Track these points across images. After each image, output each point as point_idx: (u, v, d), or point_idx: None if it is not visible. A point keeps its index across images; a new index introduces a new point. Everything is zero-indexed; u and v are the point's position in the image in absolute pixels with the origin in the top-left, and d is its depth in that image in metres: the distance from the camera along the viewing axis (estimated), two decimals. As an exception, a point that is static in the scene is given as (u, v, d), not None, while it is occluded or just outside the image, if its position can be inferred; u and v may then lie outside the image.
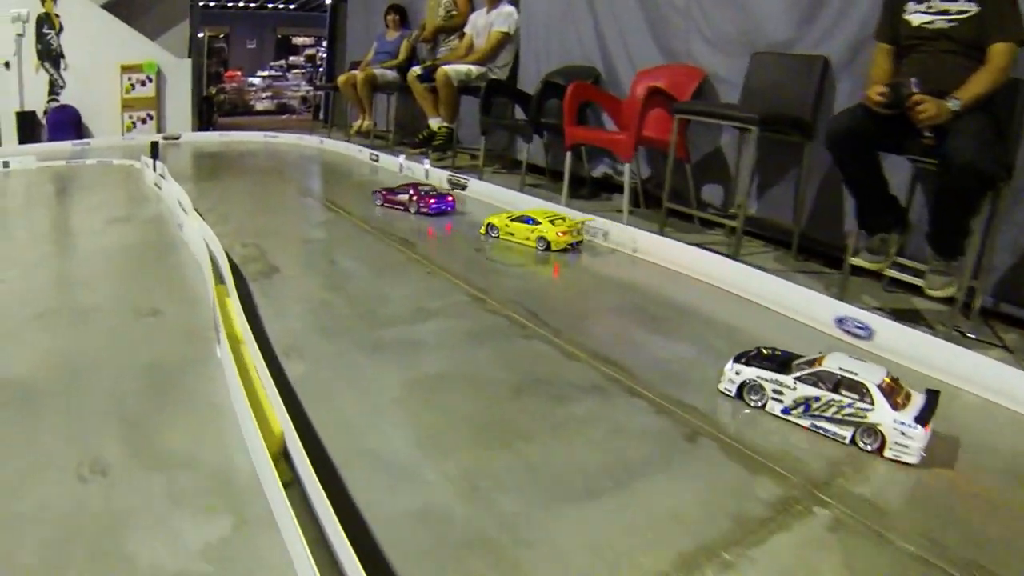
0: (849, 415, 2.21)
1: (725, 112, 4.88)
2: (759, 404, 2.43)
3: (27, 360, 2.99)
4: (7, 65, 11.86)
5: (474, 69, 8.10)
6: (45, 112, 12.11)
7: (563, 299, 3.86)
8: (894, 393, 2.21)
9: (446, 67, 8.03)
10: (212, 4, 18.85)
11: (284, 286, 3.79)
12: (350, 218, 5.37)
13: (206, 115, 13.08)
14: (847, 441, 2.22)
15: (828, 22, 4.31)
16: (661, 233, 4.63)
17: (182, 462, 2.13)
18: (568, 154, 6.16)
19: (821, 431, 2.28)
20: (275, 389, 2.45)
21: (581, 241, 4.65)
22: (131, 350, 3.13)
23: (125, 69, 12.30)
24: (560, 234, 4.46)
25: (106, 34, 12.13)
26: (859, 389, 2.20)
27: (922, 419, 2.12)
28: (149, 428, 2.32)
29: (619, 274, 4.30)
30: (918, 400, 2.24)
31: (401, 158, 7.38)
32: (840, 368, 2.26)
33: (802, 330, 3.26)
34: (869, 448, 2.19)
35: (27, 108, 12.00)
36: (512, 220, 4.64)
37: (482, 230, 4.82)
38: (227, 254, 4.26)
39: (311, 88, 17.67)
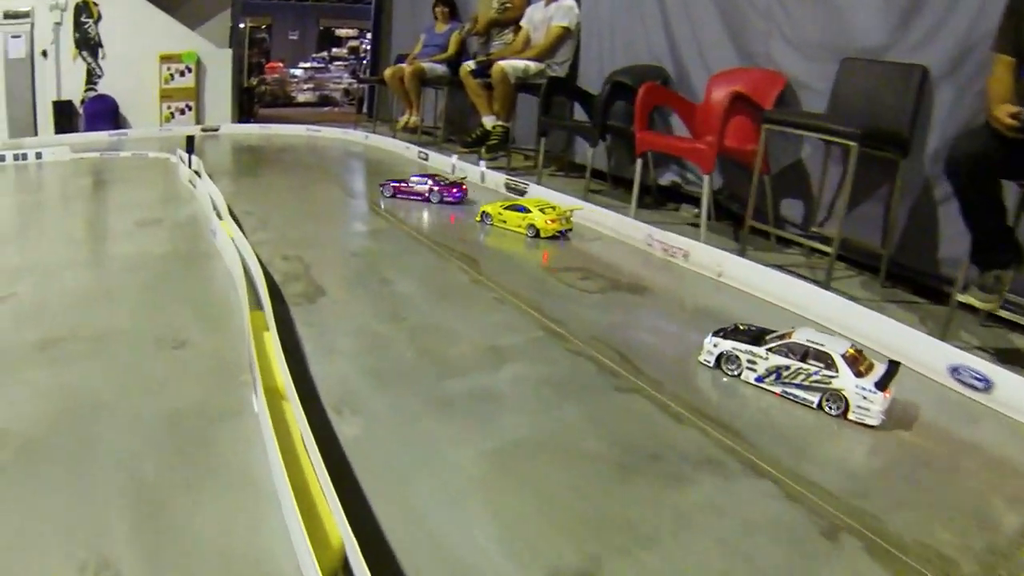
0: (816, 382, 2.40)
1: (822, 125, 4.23)
2: (735, 373, 2.65)
3: (24, 406, 2.43)
4: (44, 54, 11.47)
5: (532, 65, 7.47)
6: (82, 101, 11.69)
7: (651, 335, 3.34)
8: (857, 363, 2.39)
9: (503, 62, 7.41)
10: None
11: (331, 313, 3.22)
12: (401, 226, 4.81)
13: (246, 106, 12.58)
14: (814, 405, 2.42)
15: (927, 27, 3.90)
16: (742, 254, 4.22)
17: (211, 567, 1.66)
18: (638, 161, 5.53)
19: (791, 397, 2.49)
20: (327, 475, 1.86)
21: (570, 228, 4.78)
22: (151, 394, 2.56)
23: (164, 59, 11.85)
24: (549, 222, 4.59)
25: (145, 23, 11.70)
26: (825, 358, 2.39)
27: (882, 384, 2.31)
28: (170, 514, 1.87)
29: (707, 303, 3.86)
30: (880, 369, 2.42)
31: (454, 158, 6.78)
32: (808, 340, 2.46)
33: (908, 379, 2.68)
34: (834, 412, 2.39)
35: (64, 97, 11.60)
36: (505, 208, 4.81)
37: (477, 218, 4.96)
38: (265, 270, 3.68)
39: (354, 81, 17.12)
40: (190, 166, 6.67)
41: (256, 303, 3.27)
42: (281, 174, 7.73)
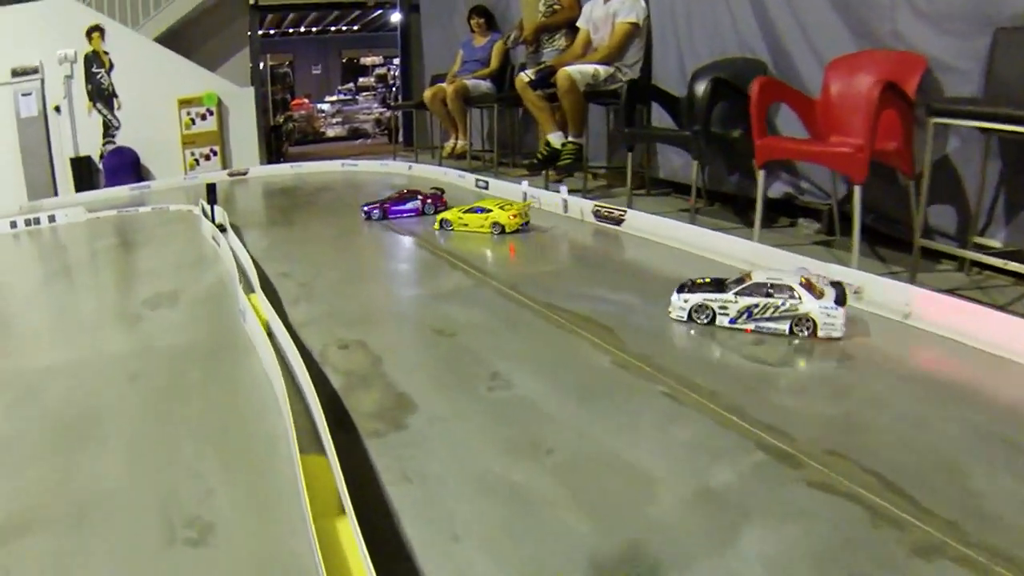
0: (784, 312, 2.65)
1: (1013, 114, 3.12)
2: (706, 321, 2.79)
3: None
4: (57, 109, 10.60)
5: (601, 69, 6.24)
6: (101, 156, 10.85)
7: (912, 440, 2.11)
8: (812, 288, 2.67)
9: (568, 68, 6.17)
10: (272, 32, 17.41)
11: (430, 447, 2.06)
12: (487, 279, 3.52)
13: (275, 146, 11.50)
14: (786, 332, 2.67)
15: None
16: (913, 281, 3.31)
17: None
18: (761, 173, 4.29)
19: (763, 330, 2.70)
20: None
21: (528, 222, 4.86)
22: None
23: (183, 103, 10.89)
24: (512, 217, 4.70)
25: (160, 68, 10.85)
26: (787, 290, 2.65)
27: (839, 301, 2.65)
28: None
29: (938, 368, 2.67)
30: (830, 292, 2.70)
31: (524, 184, 5.53)
32: (768, 278, 2.69)
33: None
34: (805, 334, 2.65)
35: (82, 153, 10.79)
36: (464, 212, 4.86)
37: (436, 226, 4.98)
38: (317, 372, 2.45)
39: (385, 109, 16.05)
40: (213, 219, 5.52)
41: (312, 439, 2.03)
42: (320, 219, 6.56)
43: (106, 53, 10.60)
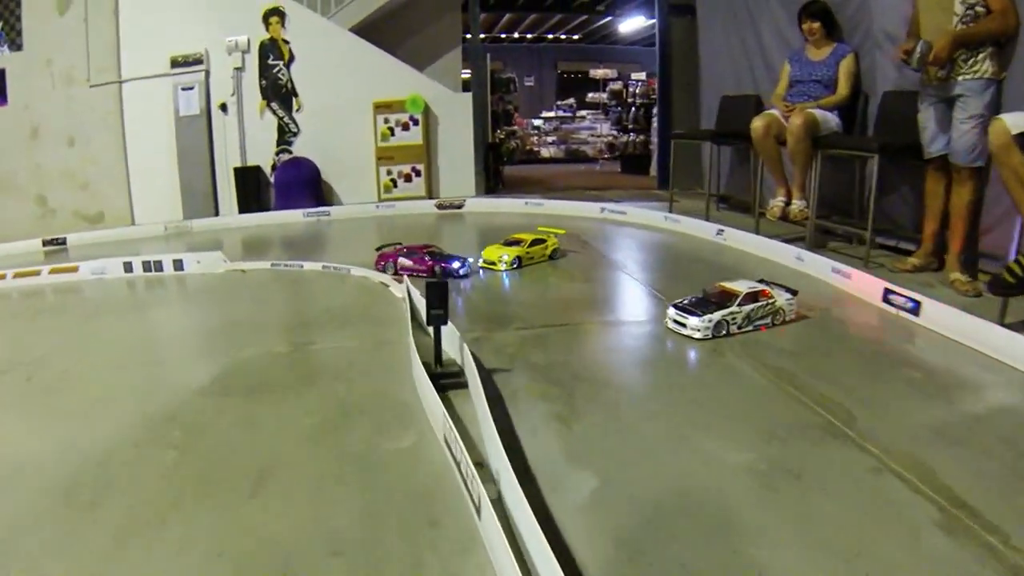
0: (767, 310, 3.23)
1: None
2: (724, 333, 3.12)
3: None
4: (224, 108, 8.15)
5: None
6: (273, 167, 8.35)
7: None
8: (771, 288, 3.31)
9: None
10: (482, 36, 14.46)
11: None
12: None
13: (491, 168, 8.42)
14: (771, 324, 3.25)
15: None
16: None
17: None
18: None
19: (754, 327, 3.19)
20: None
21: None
22: None
23: (381, 108, 8.24)
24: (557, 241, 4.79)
25: (353, 63, 8.30)
26: (763, 294, 3.24)
27: (792, 292, 3.35)
28: None
29: None
30: (778, 289, 3.34)
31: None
32: (748, 288, 3.21)
33: None
34: (777, 323, 3.27)
35: (250, 163, 8.33)
36: (529, 246, 4.62)
37: (503, 266, 4.45)
38: None
39: (619, 132, 12.71)
40: (429, 323, 2.30)
41: None
42: (612, 333, 3.33)
43: (286, 42, 8.13)
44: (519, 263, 4.48)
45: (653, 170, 10.44)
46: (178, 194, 8.22)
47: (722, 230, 5.33)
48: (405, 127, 8.19)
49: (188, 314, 4.10)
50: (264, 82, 8.19)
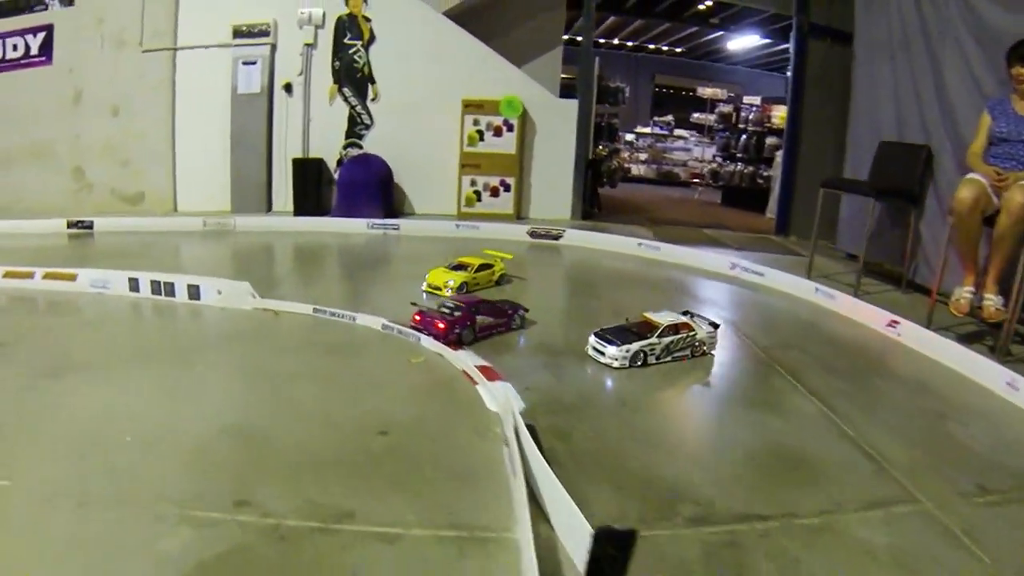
0: (687, 342, 3.24)
1: None
2: (639, 363, 3.09)
3: None
4: (288, 89, 6.89)
5: None
6: (339, 163, 7.08)
7: None
8: (693, 320, 3.34)
9: None
10: (580, 39, 13.01)
11: None
12: None
13: (588, 189, 7.01)
14: (690, 356, 3.25)
15: None
16: None
17: None
18: None
19: (674, 358, 3.20)
20: None
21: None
22: None
23: (470, 107, 6.93)
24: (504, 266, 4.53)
25: (444, 51, 7.00)
26: (683, 326, 3.24)
27: (715, 325, 3.36)
28: None
29: None
30: (701, 322, 3.37)
31: None
32: (670, 319, 3.22)
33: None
34: (697, 354, 3.27)
35: (312, 155, 7.07)
36: (475, 271, 4.33)
37: (445, 292, 4.11)
38: None
39: (723, 159, 11.10)
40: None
41: None
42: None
43: (367, 20, 6.84)
44: (464, 289, 4.18)
45: (770, 211, 8.83)
46: (227, 182, 7.03)
47: (896, 321, 3.80)
48: (497, 132, 6.79)
49: (181, 389, 2.71)
50: (338, 63, 6.87)
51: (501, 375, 2.78)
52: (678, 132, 13.72)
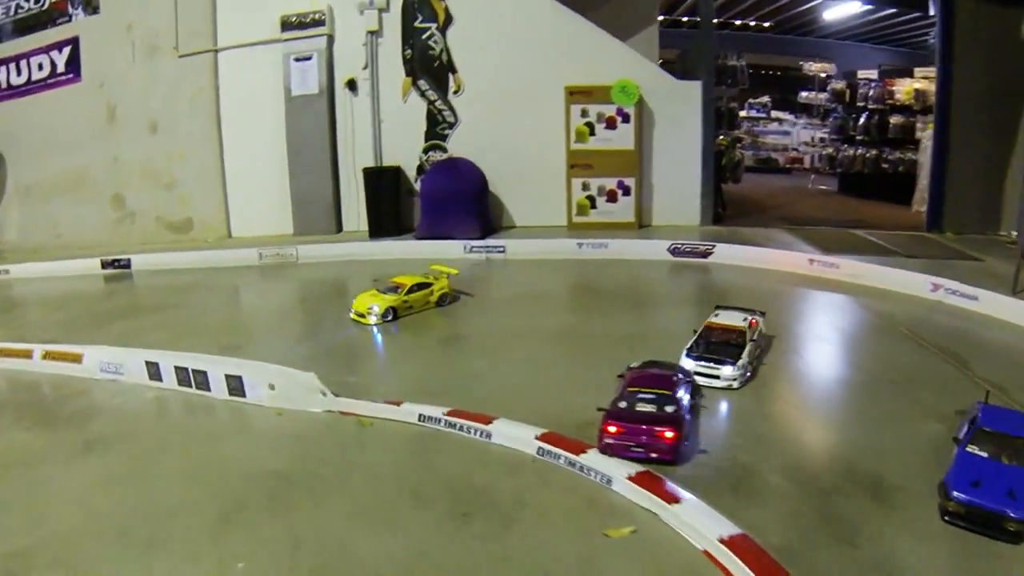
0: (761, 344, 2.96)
1: None
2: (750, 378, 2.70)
3: None
4: (352, 86, 5.91)
5: None
6: (420, 171, 5.94)
7: None
8: (756, 317, 3.09)
9: None
10: (660, 18, 11.49)
11: None
12: None
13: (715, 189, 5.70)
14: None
15: None
16: None
17: None
18: None
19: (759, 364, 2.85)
20: None
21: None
22: None
23: (576, 95, 5.67)
24: (448, 284, 4.05)
25: (538, 31, 5.71)
26: (753, 325, 2.92)
27: (762, 313, 3.15)
28: None
29: None
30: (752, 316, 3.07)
31: None
32: (740, 323, 2.88)
33: None
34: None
35: (387, 162, 6.00)
36: (406, 295, 3.79)
37: (369, 320, 3.63)
38: None
39: (840, 143, 9.45)
40: None
41: None
42: None
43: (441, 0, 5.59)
44: (393, 315, 3.65)
45: (916, 202, 7.18)
46: (287, 200, 6.01)
47: None
48: (610, 124, 5.46)
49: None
50: (410, 52, 5.73)
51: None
52: (780, 115, 12.03)
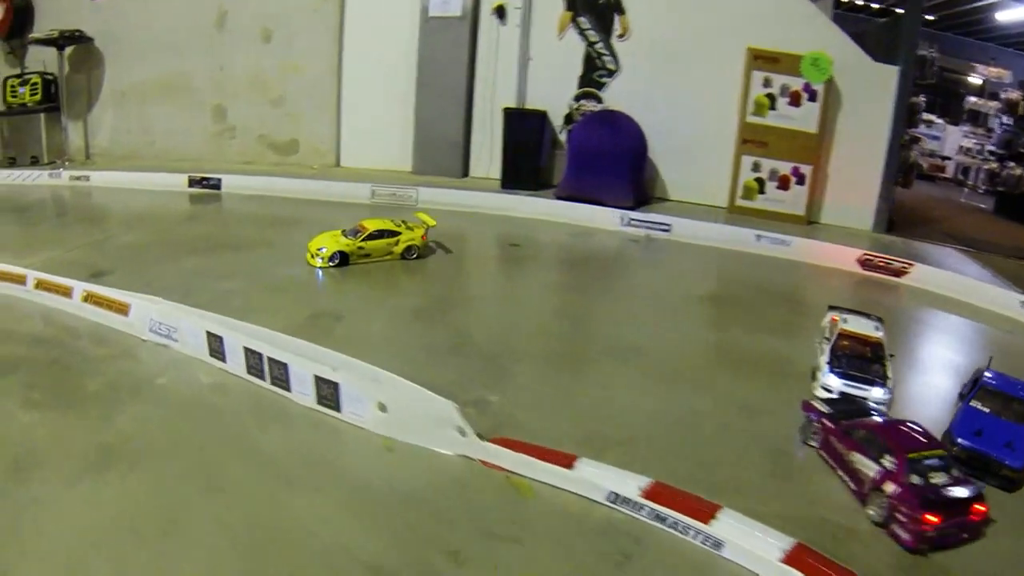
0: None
1: None
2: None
3: None
4: (501, 12, 5.31)
5: None
6: (568, 120, 5.27)
7: None
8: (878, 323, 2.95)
9: None
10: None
11: None
12: None
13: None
14: None
15: None
16: None
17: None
18: None
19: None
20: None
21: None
22: None
23: (760, 60, 4.88)
24: (423, 237, 3.69)
25: None
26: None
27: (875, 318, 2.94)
28: None
29: None
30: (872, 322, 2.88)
31: None
32: (874, 328, 2.67)
33: None
34: None
35: (529, 105, 5.32)
36: (363, 240, 3.44)
37: (319, 262, 3.32)
38: None
39: (1004, 159, 8.44)
40: None
41: None
42: None
43: None
44: (342, 260, 3.26)
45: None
46: (409, 135, 5.40)
47: None
48: (794, 100, 4.70)
49: None
50: None
51: None
52: (925, 116, 11.01)
